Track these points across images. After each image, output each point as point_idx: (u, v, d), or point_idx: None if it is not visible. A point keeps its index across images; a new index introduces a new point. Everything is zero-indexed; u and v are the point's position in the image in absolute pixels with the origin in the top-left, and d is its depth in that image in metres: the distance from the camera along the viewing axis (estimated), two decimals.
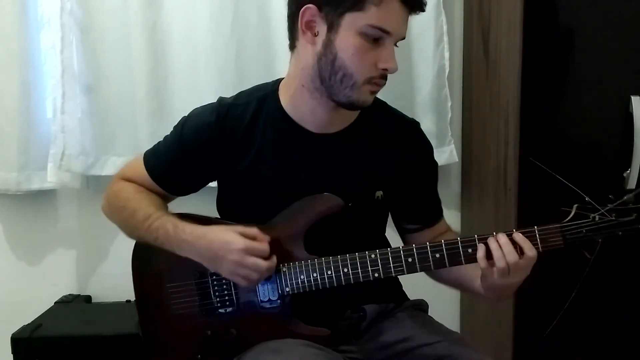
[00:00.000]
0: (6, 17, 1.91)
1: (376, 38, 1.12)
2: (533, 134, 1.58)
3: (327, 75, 1.15)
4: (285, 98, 1.25)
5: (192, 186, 1.34)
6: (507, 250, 1.07)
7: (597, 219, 1.08)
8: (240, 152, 1.25)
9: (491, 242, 1.09)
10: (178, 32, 1.95)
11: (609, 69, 1.57)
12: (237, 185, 1.28)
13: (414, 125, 1.34)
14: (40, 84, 1.99)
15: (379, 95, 1.35)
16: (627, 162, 1.55)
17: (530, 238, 1.09)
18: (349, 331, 1.27)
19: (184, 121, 1.29)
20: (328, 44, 1.13)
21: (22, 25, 1.92)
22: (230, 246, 1.13)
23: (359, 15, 1.09)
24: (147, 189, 1.30)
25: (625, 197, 1.09)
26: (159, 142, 1.33)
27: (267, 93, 1.27)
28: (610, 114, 1.59)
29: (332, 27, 1.12)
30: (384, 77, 1.16)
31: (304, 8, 1.13)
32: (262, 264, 1.13)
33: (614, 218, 1.08)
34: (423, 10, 1.16)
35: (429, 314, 1.39)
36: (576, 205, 1.10)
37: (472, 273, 1.18)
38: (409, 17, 1.16)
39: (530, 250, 1.08)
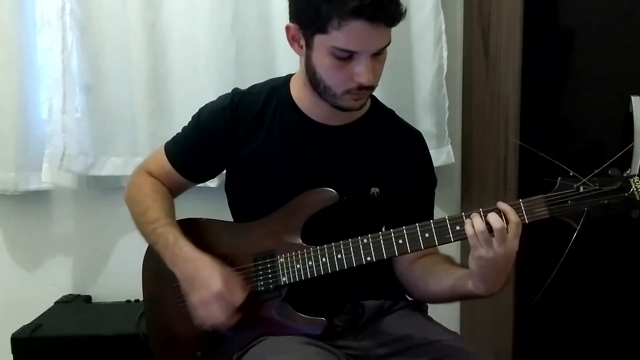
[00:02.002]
0: (4, 18, 1.91)
1: (346, 56, 1.13)
2: (533, 133, 1.58)
3: (314, 84, 1.21)
4: (294, 90, 1.31)
5: (208, 172, 1.39)
6: (493, 219, 1.07)
7: (581, 189, 1.10)
8: (248, 137, 1.30)
9: (476, 215, 1.10)
10: (178, 32, 1.95)
11: (609, 69, 1.57)
12: (243, 170, 1.32)
13: (417, 134, 1.38)
14: (38, 84, 1.99)
15: (382, 99, 1.38)
16: (627, 162, 1.55)
17: (516, 210, 1.09)
18: (347, 327, 1.28)
19: (201, 110, 1.36)
20: (308, 59, 1.19)
21: (19, 27, 1.92)
22: (208, 284, 1.17)
23: (325, 38, 1.13)
24: (167, 180, 1.36)
25: (609, 169, 1.10)
26: (178, 133, 1.38)
27: (280, 84, 1.33)
28: (610, 114, 1.59)
29: (308, 45, 1.18)
30: (364, 88, 1.17)
31: (286, 25, 1.20)
32: (222, 318, 1.17)
33: (597, 187, 1.09)
34: (396, 23, 1.14)
35: (428, 313, 1.39)
36: (560, 177, 1.12)
37: (462, 274, 1.18)
38: (390, 28, 1.14)
39: (514, 216, 1.08)
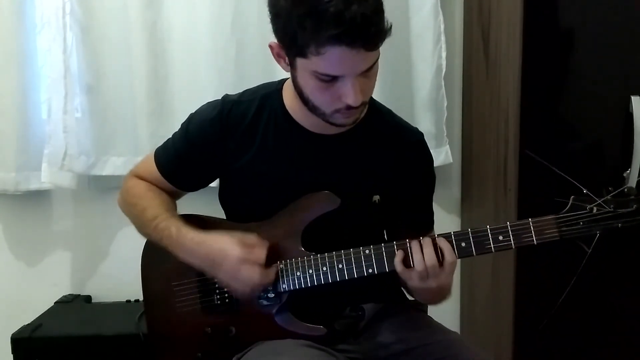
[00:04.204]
0: (4, 19, 1.91)
1: (330, 79, 1.08)
2: (533, 134, 1.58)
3: (303, 101, 1.16)
4: (287, 98, 1.26)
5: (199, 182, 1.36)
6: (428, 256, 1.09)
7: (594, 210, 1.05)
8: (241, 148, 1.27)
9: (414, 244, 1.11)
10: (178, 32, 1.95)
11: (609, 69, 1.57)
12: (238, 182, 1.29)
13: (417, 134, 1.34)
14: (38, 84, 1.99)
15: (381, 100, 1.36)
16: (627, 162, 1.55)
17: (525, 230, 1.08)
18: (347, 330, 1.27)
19: (190, 118, 1.32)
20: (294, 78, 1.15)
21: (19, 27, 1.92)
22: (227, 255, 1.15)
23: (306, 62, 1.07)
24: (158, 186, 1.33)
25: (625, 189, 1.06)
26: (169, 139, 1.35)
27: (272, 92, 1.29)
28: (610, 114, 1.59)
29: (292, 65, 1.13)
30: (353, 108, 1.11)
31: (269, 44, 1.15)
32: (256, 278, 1.15)
33: (612, 209, 1.04)
34: (379, 45, 1.07)
35: (428, 314, 1.39)
36: (573, 196, 1.07)
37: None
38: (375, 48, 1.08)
39: (450, 255, 1.09)
